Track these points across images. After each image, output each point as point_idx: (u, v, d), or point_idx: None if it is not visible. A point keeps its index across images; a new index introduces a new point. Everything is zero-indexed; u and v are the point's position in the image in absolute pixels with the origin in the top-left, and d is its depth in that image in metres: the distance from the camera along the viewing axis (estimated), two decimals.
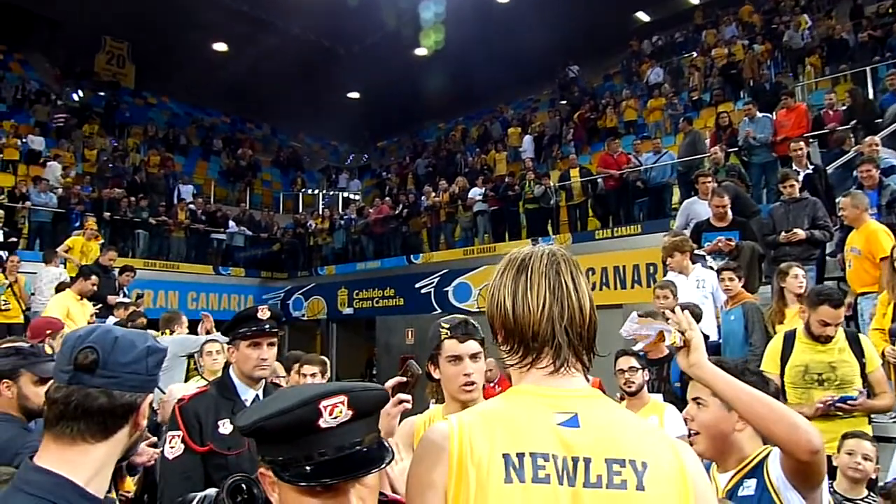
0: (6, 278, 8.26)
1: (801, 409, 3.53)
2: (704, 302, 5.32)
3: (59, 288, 7.74)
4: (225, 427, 2.43)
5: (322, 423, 1.03)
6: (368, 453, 1.07)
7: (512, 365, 1.23)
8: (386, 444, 1.13)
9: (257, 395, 2.57)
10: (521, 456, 1.08)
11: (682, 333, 1.62)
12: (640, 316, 1.72)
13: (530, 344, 1.18)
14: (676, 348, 1.65)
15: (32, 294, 8.88)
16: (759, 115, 9.76)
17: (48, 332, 4.85)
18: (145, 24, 19.12)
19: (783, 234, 5.98)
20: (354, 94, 24.12)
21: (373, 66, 20.37)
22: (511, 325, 1.20)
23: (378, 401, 1.15)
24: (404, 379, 1.81)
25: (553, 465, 1.08)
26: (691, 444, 2.32)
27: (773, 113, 9.93)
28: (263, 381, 2.61)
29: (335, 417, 1.04)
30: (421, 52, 20.67)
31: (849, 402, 3.64)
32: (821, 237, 6.01)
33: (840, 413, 3.66)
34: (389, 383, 1.76)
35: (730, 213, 6.17)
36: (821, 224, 6.00)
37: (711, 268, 5.71)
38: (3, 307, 8.15)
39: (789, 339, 3.89)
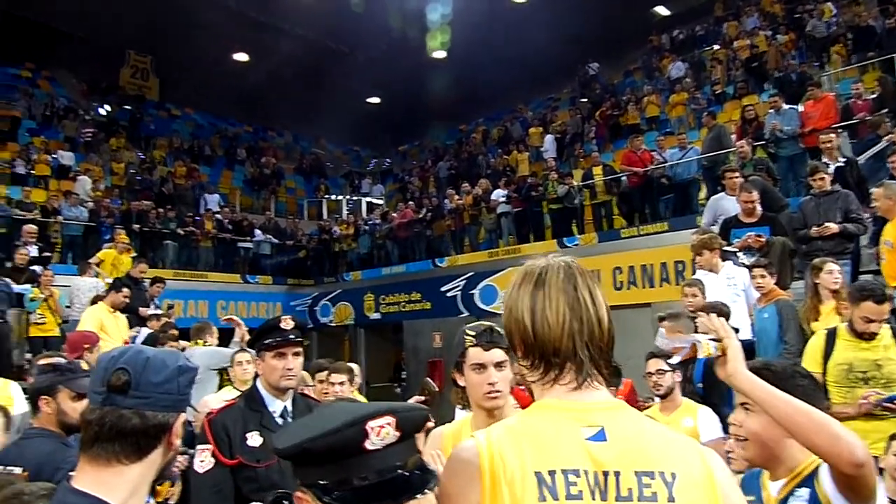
0: (41, 293, 8.43)
1: (845, 408, 3.45)
2: (736, 300, 5.22)
3: (93, 301, 7.89)
4: (253, 439, 2.44)
5: (368, 445, 1.01)
6: (410, 478, 1.04)
7: (534, 381, 1.23)
8: (429, 467, 1.10)
9: (285, 407, 2.57)
10: (552, 473, 1.08)
11: (720, 341, 1.58)
12: (663, 319, 1.70)
13: (552, 360, 1.18)
14: (714, 357, 1.61)
15: (67, 307, 9.05)
16: (786, 106, 9.61)
17: (85, 346, 4.94)
18: (167, 37, 19.43)
19: (815, 228, 5.85)
20: (374, 99, 24.25)
21: (391, 70, 20.46)
22: (531, 341, 1.20)
23: (422, 422, 1.13)
24: (422, 398, 1.82)
25: (584, 480, 1.08)
26: (727, 452, 2.27)
27: (800, 104, 9.76)
28: (291, 391, 2.61)
29: (382, 439, 1.01)
30: (439, 54, 20.70)
31: None
32: (854, 230, 5.87)
33: (887, 413, 3.56)
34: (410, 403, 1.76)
35: (759, 208, 6.06)
36: (854, 217, 5.86)
37: (744, 264, 5.60)
38: (38, 321, 8.32)
39: (831, 336, 3.77)
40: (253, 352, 3.81)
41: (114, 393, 1.21)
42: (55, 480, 2.03)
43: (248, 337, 5.92)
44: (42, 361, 3.82)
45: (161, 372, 1.26)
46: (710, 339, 1.61)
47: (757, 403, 1.61)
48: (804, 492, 1.66)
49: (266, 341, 2.53)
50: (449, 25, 18.42)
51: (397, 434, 1.03)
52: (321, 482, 1.02)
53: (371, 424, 1.01)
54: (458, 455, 1.15)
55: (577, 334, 1.17)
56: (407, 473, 1.04)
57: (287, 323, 2.55)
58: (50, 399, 2.67)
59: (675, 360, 1.81)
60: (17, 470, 2.36)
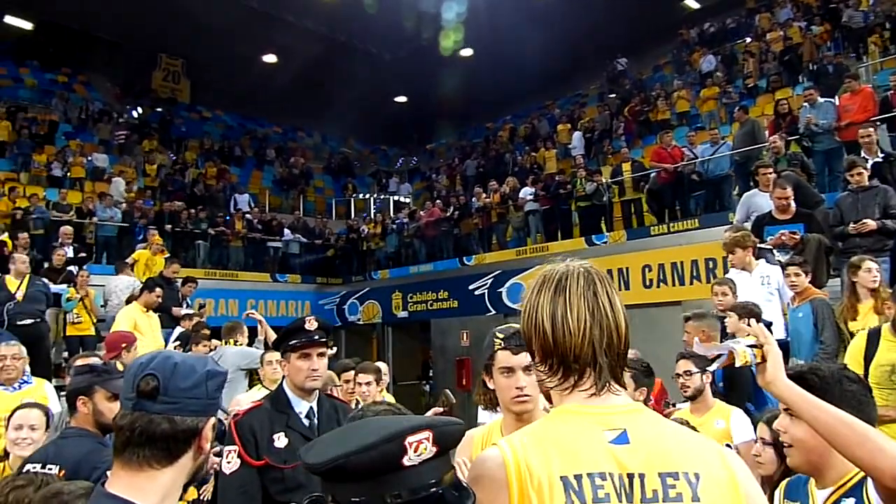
0: (77, 293, 8.62)
1: (887, 412, 3.36)
2: (770, 299, 5.11)
3: (127, 301, 8.05)
4: (280, 441, 2.46)
5: (406, 461, 0.98)
6: (444, 495, 1.01)
7: (552, 386, 1.23)
8: (465, 484, 1.07)
9: (311, 407, 2.59)
10: (578, 478, 1.09)
11: (759, 347, 1.54)
12: (688, 319, 1.66)
13: (572, 366, 1.19)
14: (755, 364, 1.56)
15: (103, 306, 9.26)
16: (821, 99, 9.36)
17: (123, 345, 5.04)
18: (198, 40, 19.73)
19: (852, 224, 5.71)
20: (401, 98, 24.32)
21: (418, 69, 20.50)
22: (550, 347, 1.20)
23: (460, 436, 1.10)
24: (441, 409, 1.81)
25: (610, 483, 1.09)
26: (754, 455, 2.21)
27: (836, 97, 9.52)
28: (317, 392, 2.63)
29: (419, 454, 0.99)
30: (465, 53, 20.68)
31: None
32: (893, 227, 5.71)
33: None
34: (429, 415, 1.74)
35: (793, 204, 5.92)
36: (893, 212, 5.70)
37: (779, 262, 5.48)
38: (75, 320, 8.52)
39: (873, 336, 3.66)
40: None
41: (143, 398, 1.23)
42: (92, 479, 2.07)
43: (272, 334, 5.99)
44: (78, 362, 3.90)
45: (189, 377, 1.27)
46: (748, 346, 1.56)
47: (796, 411, 1.57)
48: (850, 502, 1.61)
49: (291, 342, 2.56)
50: (474, 24, 18.37)
51: (434, 449, 1.00)
52: (353, 499, 0.99)
53: (409, 440, 0.99)
54: (483, 465, 1.15)
55: (597, 341, 1.18)
56: (441, 491, 1.01)
57: (311, 324, 2.57)
58: (87, 399, 2.73)
59: (713, 367, 1.77)
60: (54, 469, 2.42)
